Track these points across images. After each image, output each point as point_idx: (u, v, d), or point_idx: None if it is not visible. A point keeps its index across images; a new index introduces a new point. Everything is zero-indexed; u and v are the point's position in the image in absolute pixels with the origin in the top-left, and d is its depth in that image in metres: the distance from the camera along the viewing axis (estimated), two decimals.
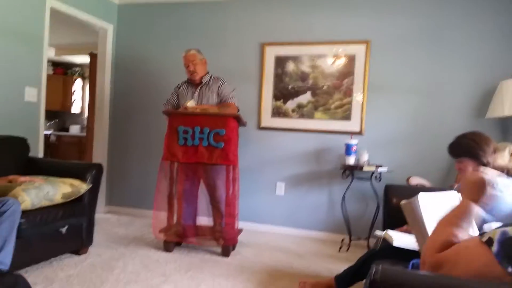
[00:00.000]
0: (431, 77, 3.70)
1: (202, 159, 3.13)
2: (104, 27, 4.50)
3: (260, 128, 4.16)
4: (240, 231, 3.40)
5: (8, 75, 3.35)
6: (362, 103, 3.85)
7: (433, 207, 1.63)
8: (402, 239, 1.95)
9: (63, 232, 2.72)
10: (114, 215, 4.50)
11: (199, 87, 3.47)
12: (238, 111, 3.42)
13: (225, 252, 3.16)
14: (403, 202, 1.73)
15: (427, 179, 3.36)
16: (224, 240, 3.15)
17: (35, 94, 3.62)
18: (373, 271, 0.97)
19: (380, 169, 3.47)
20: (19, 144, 3.12)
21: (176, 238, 3.25)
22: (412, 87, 3.74)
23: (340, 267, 2.66)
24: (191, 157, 3.16)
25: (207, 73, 3.52)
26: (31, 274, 2.52)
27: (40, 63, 3.67)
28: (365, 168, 3.43)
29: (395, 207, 2.58)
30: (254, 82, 4.18)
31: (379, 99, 3.82)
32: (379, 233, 2.15)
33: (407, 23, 3.75)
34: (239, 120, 3.28)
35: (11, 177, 2.58)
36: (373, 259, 2.04)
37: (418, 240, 1.68)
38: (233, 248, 3.30)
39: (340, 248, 3.57)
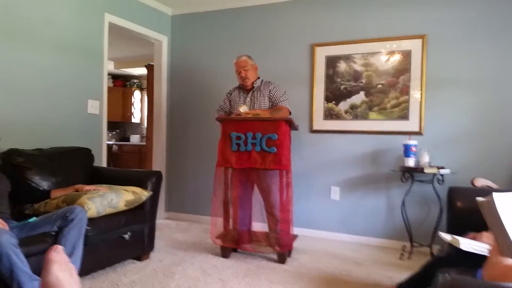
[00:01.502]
0: (494, 70, 3.45)
1: (255, 164, 3.14)
2: (159, 39, 4.67)
3: (313, 131, 4.10)
4: (295, 237, 3.36)
5: (72, 88, 3.57)
6: (421, 101, 3.68)
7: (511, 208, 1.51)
8: (469, 243, 1.83)
9: (126, 238, 2.85)
10: (174, 221, 4.65)
11: (251, 92, 3.49)
12: (290, 114, 3.40)
13: (281, 259, 3.14)
14: (480, 199, 1.62)
15: (493, 180, 3.13)
16: (279, 246, 3.13)
17: (97, 106, 3.83)
18: (441, 280, 0.91)
19: (442, 171, 3.28)
20: (85, 155, 3.32)
21: (232, 244, 3.28)
22: (475, 82, 3.52)
23: (401, 275, 2.54)
24: (244, 163, 3.18)
25: (258, 78, 3.54)
26: (96, 279, 2.66)
27: (101, 77, 3.88)
28: (426, 170, 3.26)
29: (460, 211, 2.43)
30: (304, 84, 4.13)
31: (438, 96, 3.63)
32: (444, 235, 2.03)
33: (465, 15, 3.54)
34: (291, 124, 3.25)
35: (77, 186, 2.74)
36: (438, 266, 1.93)
37: (498, 241, 1.55)
38: (289, 255, 3.28)
39: (401, 255, 3.41)
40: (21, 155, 2.80)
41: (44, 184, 2.83)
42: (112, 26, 4.01)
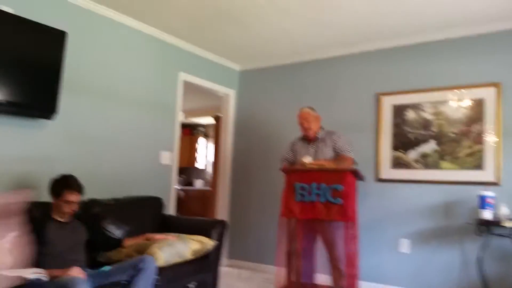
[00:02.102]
0: None
1: (319, 215, 3.08)
2: (227, 93, 4.91)
3: (379, 180, 3.97)
4: None
5: (147, 141, 3.82)
6: (497, 150, 3.45)
7: None
8: None
9: None
10: (235, 268, 4.62)
11: (314, 143, 3.49)
12: (354, 164, 3.35)
13: None
14: None
15: None
16: None
17: (169, 157, 4.04)
18: None
19: None
20: (156, 204, 3.48)
21: None
22: None
23: None
24: (308, 214, 3.13)
25: (322, 128, 3.54)
26: None
27: (173, 129, 4.13)
28: (505, 224, 3.00)
29: None
30: (370, 133, 4.06)
31: None
32: None
33: None
34: (357, 175, 3.19)
35: (148, 235, 2.86)
36: None
37: None
38: None
39: None
40: (99, 205, 2.99)
41: (117, 233, 2.97)
42: (185, 83, 4.29)
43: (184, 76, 4.22)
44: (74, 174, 2.59)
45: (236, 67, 5.00)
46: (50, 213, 2.51)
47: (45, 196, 2.54)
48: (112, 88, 3.49)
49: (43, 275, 2.12)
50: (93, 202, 2.96)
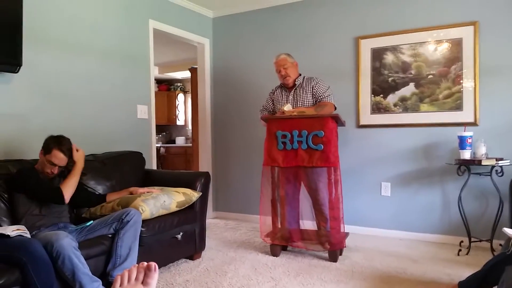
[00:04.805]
0: None
1: (302, 162, 3.10)
2: (201, 42, 4.74)
3: (360, 126, 4.00)
4: (346, 234, 3.30)
5: (121, 95, 3.69)
6: (475, 90, 3.49)
7: None
8: None
9: (179, 238, 2.91)
10: (222, 220, 4.71)
11: (293, 90, 3.46)
12: (335, 109, 3.34)
13: (333, 257, 3.08)
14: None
15: None
16: (330, 244, 3.08)
17: (146, 111, 3.94)
18: None
19: (501, 162, 3.09)
20: (137, 158, 3.42)
21: (282, 242, 3.28)
22: None
23: (461, 272, 2.42)
24: (291, 161, 3.15)
25: (300, 75, 3.49)
26: None
27: (148, 82, 3.99)
28: (484, 162, 3.08)
29: None
30: (349, 79, 4.04)
31: (494, 84, 3.42)
32: (509, 231, 1.91)
33: None
34: (337, 120, 3.19)
35: (131, 189, 2.83)
36: (504, 264, 1.82)
37: None
38: (341, 253, 3.21)
39: (459, 251, 3.26)
40: None
41: (99, 188, 2.94)
42: (156, 32, 4.11)
43: (154, 24, 4.03)
44: (47, 130, 2.52)
45: (209, 13, 4.81)
46: (34, 167, 2.50)
47: (20, 154, 2.46)
48: (77, 38, 3.27)
49: (25, 231, 2.09)
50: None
